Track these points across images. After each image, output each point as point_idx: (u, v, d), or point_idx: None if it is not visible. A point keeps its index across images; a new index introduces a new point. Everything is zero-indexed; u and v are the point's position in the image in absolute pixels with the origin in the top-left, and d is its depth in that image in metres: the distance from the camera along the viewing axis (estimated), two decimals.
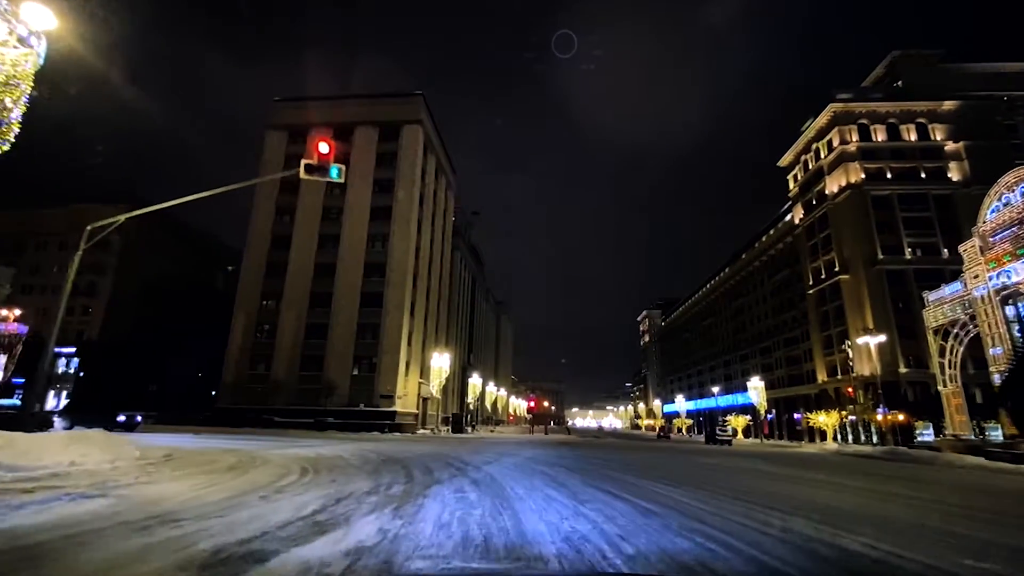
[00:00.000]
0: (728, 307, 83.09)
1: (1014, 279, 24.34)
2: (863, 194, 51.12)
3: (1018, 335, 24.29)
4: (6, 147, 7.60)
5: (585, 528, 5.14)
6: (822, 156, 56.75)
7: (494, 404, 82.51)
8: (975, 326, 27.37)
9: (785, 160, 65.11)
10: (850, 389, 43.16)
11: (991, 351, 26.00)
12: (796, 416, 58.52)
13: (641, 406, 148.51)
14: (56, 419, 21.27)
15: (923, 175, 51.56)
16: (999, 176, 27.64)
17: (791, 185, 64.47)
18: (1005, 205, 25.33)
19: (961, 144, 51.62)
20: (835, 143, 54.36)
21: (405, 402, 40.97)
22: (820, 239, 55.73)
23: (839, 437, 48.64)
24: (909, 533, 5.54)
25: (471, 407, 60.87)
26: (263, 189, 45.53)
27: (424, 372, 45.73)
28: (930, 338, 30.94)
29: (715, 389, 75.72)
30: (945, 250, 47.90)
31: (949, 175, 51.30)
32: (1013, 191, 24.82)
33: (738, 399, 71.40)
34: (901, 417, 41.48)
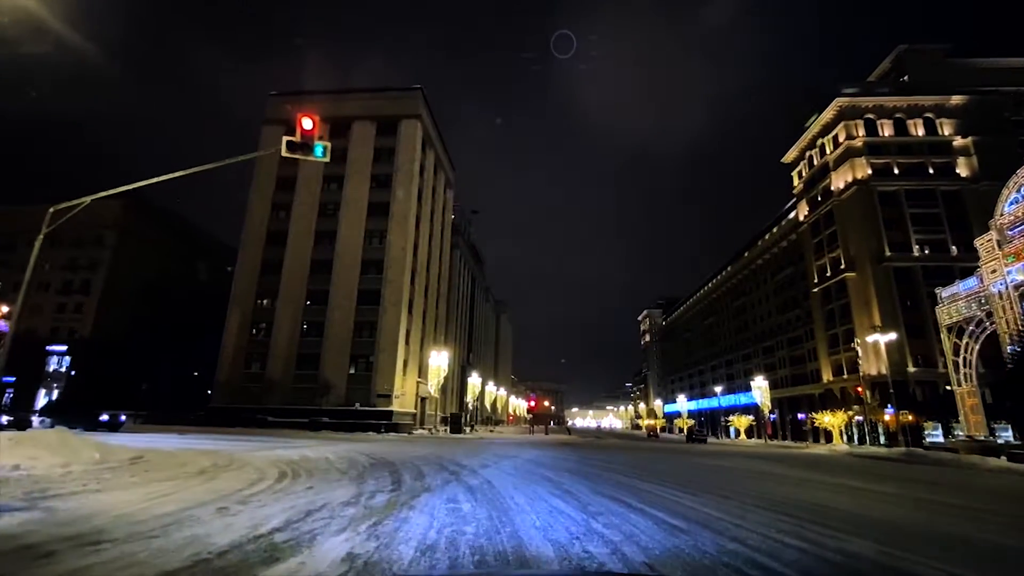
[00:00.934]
0: (730, 306, 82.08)
1: None
2: (870, 190, 50.14)
3: None
4: None
5: (601, 550, 4.22)
6: (827, 152, 55.77)
7: (493, 404, 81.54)
8: (991, 323, 26.42)
9: (789, 156, 64.12)
10: (860, 388, 42.12)
11: (1009, 348, 25.03)
12: (800, 416, 57.53)
13: (642, 406, 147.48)
14: (35, 418, 20.31)
15: (931, 171, 50.57)
16: (1008, 172, 26.79)
17: (795, 181, 63.48)
18: None
19: (969, 139, 50.63)
20: (841, 138, 53.37)
21: (403, 402, 40.02)
22: (825, 236, 54.73)
23: (845, 438, 47.69)
24: (993, 557, 4.62)
25: (470, 407, 59.91)
26: (258, 185, 44.64)
27: (422, 371, 44.78)
28: (944, 336, 29.97)
29: (717, 389, 74.71)
30: (954, 247, 47.03)
31: (957, 171, 50.32)
32: None
33: (741, 399, 70.42)
34: (911, 417, 40.53)
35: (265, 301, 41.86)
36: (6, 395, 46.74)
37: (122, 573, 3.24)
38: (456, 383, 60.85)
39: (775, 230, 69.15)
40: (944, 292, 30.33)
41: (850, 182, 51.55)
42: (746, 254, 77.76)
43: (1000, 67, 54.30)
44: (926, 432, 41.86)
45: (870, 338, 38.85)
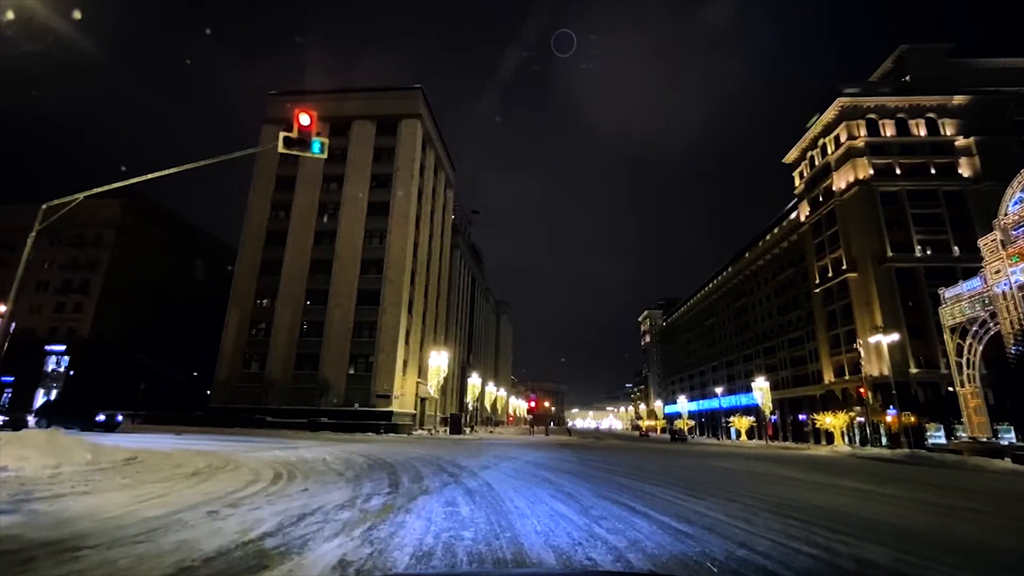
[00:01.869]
0: (731, 307, 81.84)
1: None
2: (872, 190, 49.94)
3: None
4: None
5: (605, 557, 4.04)
6: (829, 152, 55.57)
7: (493, 404, 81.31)
8: (995, 324, 26.27)
9: (790, 157, 63.93)
10: (862, 389, 41.91)
11: (1012, 349, 24.89)
12: (801, 417, 57.29)
13: (642, 407, 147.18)
14: (31, 418, 20.12)
15: (933, 171, 50.35)
16: (1010, 172, 26.63)
17: (796, 182, 63.27)
18: None
19: (972, 140, 50.42)
20: (843, 138, 53.18)
21: (402, 402, 39.83)
22: (827, 236, 54.52)
23: (847, 439, 47.46)
24: (1016, 565, 4.44)
25: (470, 407, 59.72)
26: (258, 185, 44.50)
27: (422, 372, 44.60)
28: (946, 336, 29.84)
29: (718, 390, 74.44)
30: (956, 247, 46.80)
31: (960, 171, 50.11)
32: None
33: (741, 400, 70.17)
34: (913, 419, 40.33)
35: (264, 301, 41.70)
36: (4, 395, 46.58)
37: None
38: (456, 384, 60.66)
39: (776, 230, 68.92)
40: (947, 293, 30.18)
41: (852, 182, 51.36)
42: (747, 254, 77.53)
43: (1002, 67, 54.13)
44: (928, 434, 41.65)
45: (872, 339, 38.66)
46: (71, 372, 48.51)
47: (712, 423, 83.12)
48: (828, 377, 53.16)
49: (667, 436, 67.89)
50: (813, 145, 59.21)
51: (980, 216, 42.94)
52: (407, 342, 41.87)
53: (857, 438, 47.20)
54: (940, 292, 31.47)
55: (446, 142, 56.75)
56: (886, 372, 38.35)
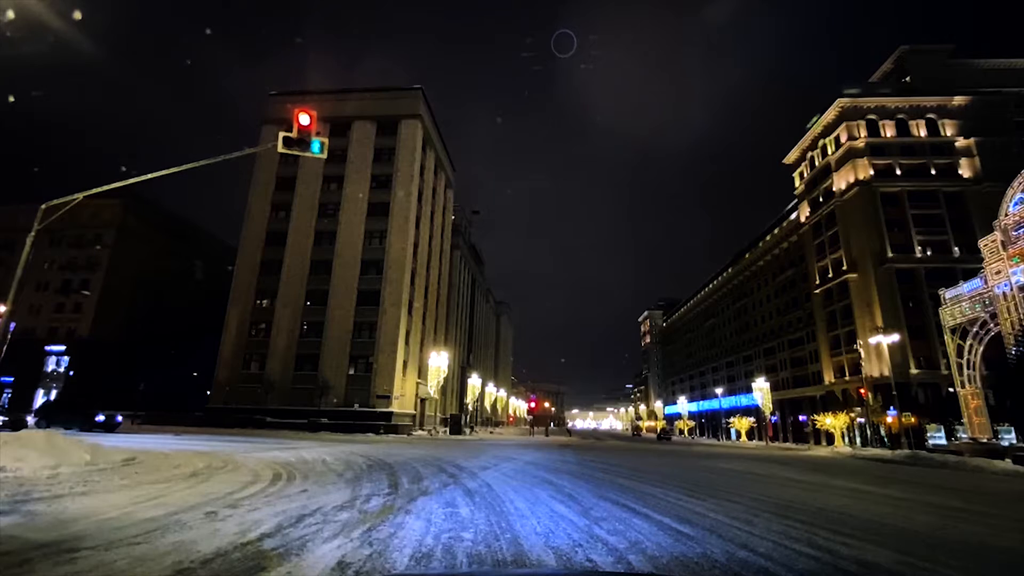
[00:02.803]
0: (731, 307, 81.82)
1: None
2: (872, 191, 49.92)
3: None
4: None
5: (605, 559, 4.02)
6: (829, 152, 55.57)
7: (493, 405, 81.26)
8: (995, 324, 26.24)
9: (790, 157, 63.94)
10: (862, 390, 41.88)
11: (1013, 350, 24.84)
12: (801, 418, 57.25)
13: (642, 407, 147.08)
14: (30, 418, 20.09)
15: (933, 171, 50.35)
16: (1011, 173, 26.63)
17: (796, 183, 63.27)
18: None
19: (972, 140, 50.43)
20: (843, 139, 53.18)
21: (402, 403, 39.79)
22: (827, 237, 54.51)
23: (847, 440, 47.41)
24: (1019, 567, 4.41)
25: (470, 408, 59.63)
26: (258, 185, 44.49)
27: (422, 372, 44.57)
28: (947, 337, 29.80)
29: (718, 391, 74.40)
30: (956, 248, 46.80)
31: (960, 172, 50.11)
32: None
33: (742, 400, 70.13)
34: (913, 419, 40.29)
35: (264, 301, 41.68)
36: (3, 395, 46.57)
37: None
38: (456, 384, 60.64)
39: (776, 231, 68.91)
40: (948, 293, 30.16)
41: (852, 183, 51.35)
42: (747, 255, 77.52)
43: (1003, 68, 54.14)
44: (929, 434, 41.61)
45: (872, 340, 38.65)
46: (71, 372, 48.49)
47: (712, 424, 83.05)
48: (828, 378, 53.13)
49: (659, 436, 68.82)
50: (813, 146, 59.22)
51: (980, 217, 42.93)
52: (407, 342, 41.84)
53: (857, 439, 47.14)
54: (940, 293, 31.44)
55: (446, 142, 56.77)
56: (886, 373, 38.33)
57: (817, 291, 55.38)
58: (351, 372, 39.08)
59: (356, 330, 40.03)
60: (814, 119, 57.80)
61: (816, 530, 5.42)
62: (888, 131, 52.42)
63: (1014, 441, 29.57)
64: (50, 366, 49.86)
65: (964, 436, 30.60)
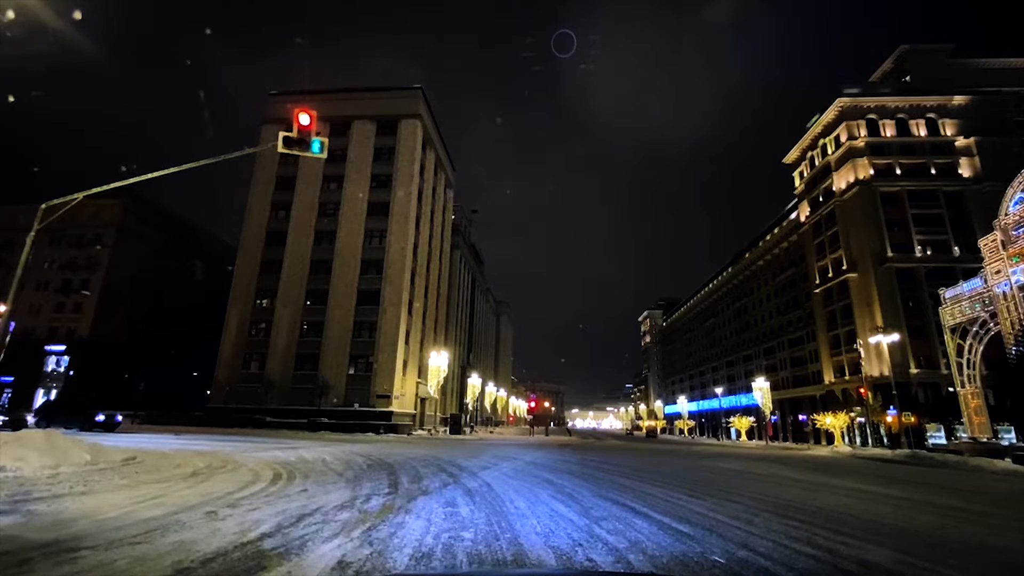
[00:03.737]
0: (731, 307, 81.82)
1: None
2: (872, 190, 49.91)
3: None
4: None
5: (605, 559, 4.02)
6: (829, 152, 55.55)
7: (493, 405, 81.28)
8: (995, 324, 26.24)
9: (790, 157, 63.91)
10: (862, 390, 41.89)
11: (1013, 349, 24.86)
12: (801, 418, 57.26)
13: (642, 407, 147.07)
14: (30, 418, 20.09)
15: (933, 171, 50.32)
16: (1011, 172, 26.62)
17: (796, 182, 63.24)
18: None
19: (972, 140, 50.40)
20: (843, 138, 53.15)
21: (402, 402, 39.79)
22: (827, 237, 54.50)
23: (847, 439, 47.42)
24: (1018, 567, 4.41)
25: (470, 408, 59.65)
26: (258, 185, 44.48)
27: (422, 372, 44.57)
28: (947, 337, 29.81)
29: (718, 390, 74.42)
30: (956, 248, 46.79)
31: (960, 171, 50.08)
32: None
33: (742, 400, 70.16)
34: (913, 419, 40.31)
35: (264, 301, 41.67)
36: (4, 395, 46.55)
37: None
38: (456, 384, 60.64)
39: (776, 231, 68.90)
40: (948, 293, 30.17)
41: (852, 183, 51.34)
42: (747, 255, 77.51)
43: (1003, 67, 54.15)
44: (928, 434, 41.63)
45: (872, 339, 38.66)
46: (71, 372, 48.49)
47: (712, 423, 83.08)
48: (828, 377, 53.14)
49: (673, 436, 68.83)
50: (813, 145, 59.20)
51: (980, 216, 42.93)
52: (407, 342, 41.84)
53: (857, 438, 47.16)
54: (940, 292, 31.45)
55: (446, 142, 56.75)
56: (886, 372, 38.37)
57: (817, 291, 55.39)
58: (351, 372, 39.08)
59: (356, 330, 40.03)
60: (814, 119, 57.78)
61: (816, 530, 5.42)
62: (888, 131, 52.41)
63: (1014, 441, 29.60)
64: (50, 366, 49.86)
65: (964, 436, 30.61)
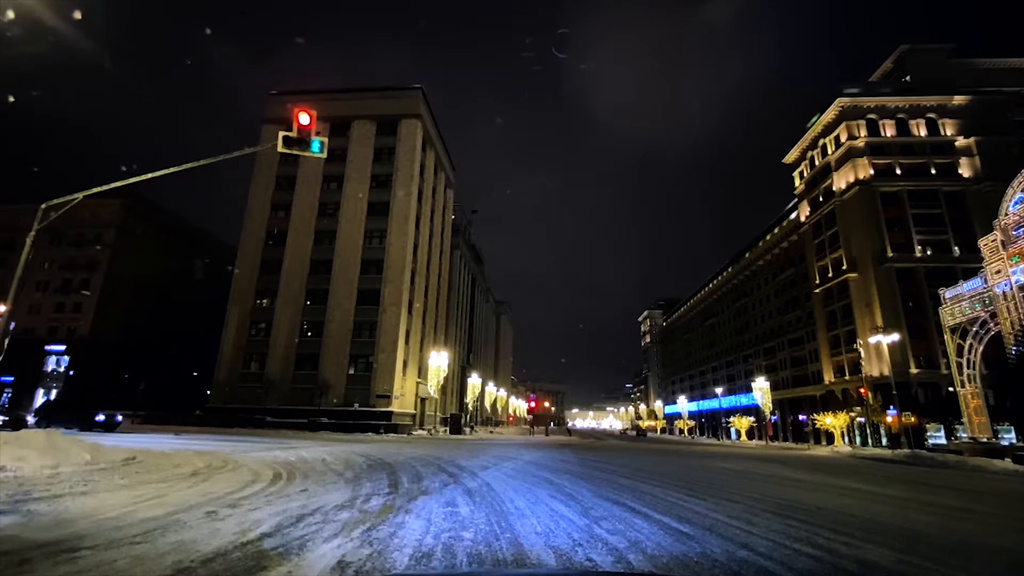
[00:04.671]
0: (731, 307, 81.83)
1: None
2: (872, 190, 49.91)
3: None
4: None
5: (605, 559, 4.02)
6: (829, 152, 55.56)
7: (493, 405, 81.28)
8: (995, 324, 26.24)
9: (790, 157, 63.92)
10: (862, 390, 41.90)
11: (1013, 349, 24.84)
12: (801, 418, 57.27)
13: (642, 407, 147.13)
14: (30, 418, 20.09)
15: (933, 171, 50.33)
16: (1011, 172, 26.63)
17: (796, 182, 63.25)
18: None
19: (972, 140, 50.40)
20: (843, 138, 53.16)
21: (402, 402, 39.80)
22: (827, 237, 54.50)
23: (847, 439, 47.43)
24: (1018, 567, 4.42)
25: (470, 408, 59.66)
26: (258, 185, 44.48)
27: (422, 372, 44.58)
28: (947, 337, 29.80)
29: (718, 390, 74.44)
30: (956, 248, 46.80)
31: (960, 171, 50.08)
32: None
33: (742, 400, 70.17)
34: (913, 419, 40.31)
35: (264, 301, 41.67)
36: (4, 395, 46.57)
37: None
38: (456, 384, 60.63)
39: (776, 231, 68.90)
40: (948, 293, 30.16)
41: (852, 182, 51.34)
42: (747, 255, 77.52)
43: (1003, 67, 54.14)
44: (928, 434, 41.63)
45: (872, 339, 38.65)
46: (71, 372, 48.50)
47: (712, 423, 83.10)
48: (828, 377, 53.15)
49: (673, 436, 68.92)
50: (813, 145, 59.21)
51: (980, 216, 42.96)
52: (407, 342, 41.84)
53: (857, 438, 47.17)
54: (940, 292, 31.45)
55: (446, 142, 56.74)
56: (886, 372, 38.34)
57: (817, 290, 55.39)
58: (351, 372, 39.08)
59: (356, 330, 40.03)
60: (814, 119, 57.78)
61: (816, 529, 5.42)
62: (888, 130, 52.41)
63: (1014, 441, 29.61)
64: (50, 366, 49.87)
65: (964, 436, 30.61)
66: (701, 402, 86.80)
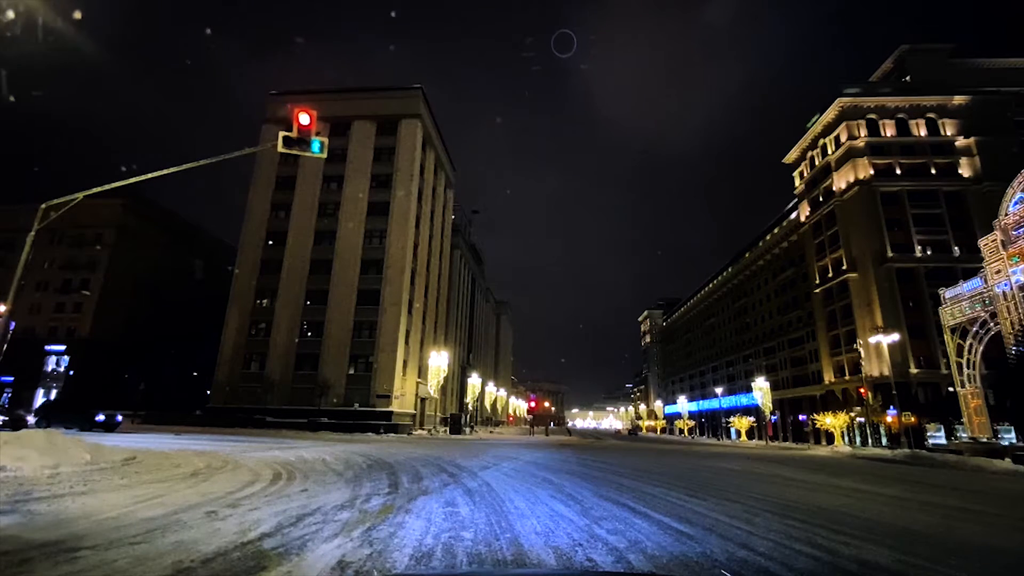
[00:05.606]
0: (731, 307, 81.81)
1: None
2: (872, 190, 49.90)
3: None
4: None
5: (605, 559, 4.02)
6: (829, 152, 55.55)
7: (493, 405, 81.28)
8: (995, 324, 26.24)
9: (790, 157, 63.91)
10: (862, 389, 41.89)
11: (1013, 349, 24.84)
12: (801, 418, 57.26)
13: (642, 407, 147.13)
14: (30, 418, 20.09)
15: (933, 171, 50.32)
16: (1011, 172, 26.63)
17: (796, 182, 63.23)
18: None
19: (972, 140, 50.39)
20: (843, 138, 53.15)
21: (402, 402, 39.79)
22: (827, 237, 54.49)
23: (847, 439, 47.43)
24: (1017, 567, 4.42)
25: (470, 408, 59.66)
26: (258, 185, 44.46)
27: (422, 372, 44.56)
28: (947, 337, 29.80)
29: (718, 390, 74.42)
30: (956, 248, 46.80)
31: (960, 171, 50.07)
32: None
33: (742, 400, 70.14)
34: (913, 419, 40.30)
35: (264, 301, 41.65)
36: (4, 395, 46.55)
37: None
38: (456, 384, 60.64)
39: (776, 231, 68.89)
40: (948, 293, 30.16)
41: (852, 182, 51.33)
42: (747, 255, 77.51)
43: (1003, 67, 54.10)
44: (928, 434, 41.63)
45: (872, 339, 38.64)
46: (71, 372, 48.49)
47: (712, 423, 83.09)
48: (828, 377, 53.15)
49: (673, 436, 69.08)
50: (813, 145, 59.20)
51: (980, 216, 42.93)
52: (407, 342, 41.83)
53: (857, 438, 47.16)
54: (940, 292, 31.44)
55: (446, 142, 56.74)
56: (886, 372, 38.38)
57: (817, 290, 55.38)
58: (351, 372, 39.07)
59: (356, 330, 40.02)
60: (814, 119, 57.77)
61: (816, 529, 5.42)
62: (888, 130, 52.40)
63: (1014, 440, 29.60)
64: (50, 366, 49.86)
65: (964, 435, 30.62)
66: (701, 402, 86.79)
